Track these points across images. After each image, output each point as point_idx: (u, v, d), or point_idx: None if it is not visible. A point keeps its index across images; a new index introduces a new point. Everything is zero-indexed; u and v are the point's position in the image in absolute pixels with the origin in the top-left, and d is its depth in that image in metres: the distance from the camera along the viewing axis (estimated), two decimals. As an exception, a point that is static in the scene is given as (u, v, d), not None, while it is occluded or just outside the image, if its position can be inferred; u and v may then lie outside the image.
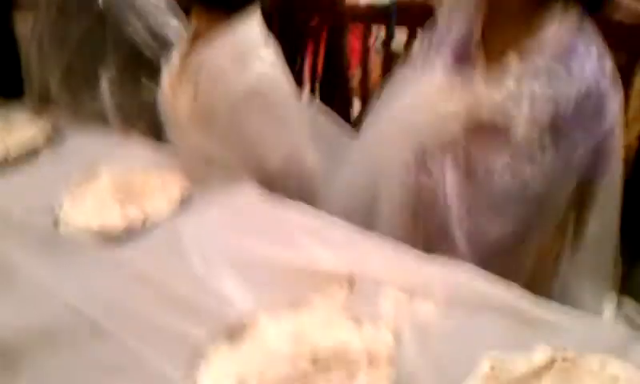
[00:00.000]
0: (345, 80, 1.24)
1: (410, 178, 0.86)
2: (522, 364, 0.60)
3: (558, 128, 0.78)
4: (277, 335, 0.66)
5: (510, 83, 0.77)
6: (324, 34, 1.31)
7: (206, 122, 0.98)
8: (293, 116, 1.02)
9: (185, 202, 0.93)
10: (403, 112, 0.87)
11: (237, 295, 0.75)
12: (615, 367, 0.60)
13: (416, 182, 0.86)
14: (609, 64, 0.79)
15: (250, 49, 0.97)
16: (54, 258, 0.83)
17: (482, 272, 0.74)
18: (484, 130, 0.80)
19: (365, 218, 0.89)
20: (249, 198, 0.93)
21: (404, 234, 0.85)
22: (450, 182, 0.83)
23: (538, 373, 0.60)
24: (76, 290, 0.77)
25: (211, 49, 0.96)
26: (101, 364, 0.69)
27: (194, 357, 0.66)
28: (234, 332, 0.68)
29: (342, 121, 1.12)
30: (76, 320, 0.73)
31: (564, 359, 0.61)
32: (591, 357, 0.61)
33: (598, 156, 0.80)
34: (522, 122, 0.77)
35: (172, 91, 1.01)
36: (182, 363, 0.65)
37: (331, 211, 0.89)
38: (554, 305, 0.69)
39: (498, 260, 0.80)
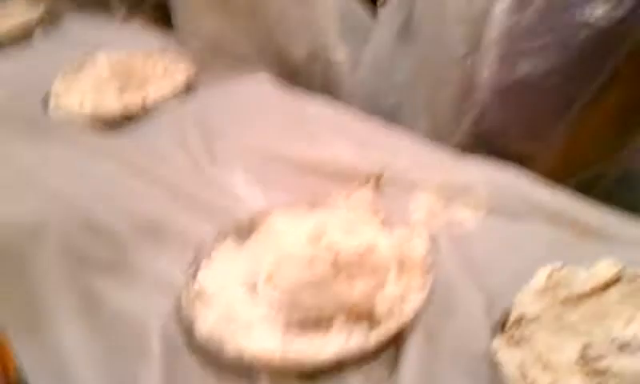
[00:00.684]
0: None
1: None
2: (583, 278, 0.50)
3: None
4: (292, 234, 0.56)
5: None
6: None
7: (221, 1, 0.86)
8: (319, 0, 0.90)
9: (191, 90, 0.83)
10: None
11: (247, 192, 0.66)
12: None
13: None
14: None
15: None
16: (42, 145, 0.74)
17: (531, 174, 0.63)
18: None
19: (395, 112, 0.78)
20: (265, 89, 0.83)
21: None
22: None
23: (602, 289, 0.50)
24: (67, 180, 0.68)
25: None
26: (93, 261, 0.60)
27: (197, 256, 0.57)
28: (242, 229, 0.59)
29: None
30: (67, 213, 0.64)
31: (632, 275, 0.51)
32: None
33: None
34: None
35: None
36: (182, 263, 0.57)
37: (359, 107, 0.78)
38: (620, 214, 0.59)
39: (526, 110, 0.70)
